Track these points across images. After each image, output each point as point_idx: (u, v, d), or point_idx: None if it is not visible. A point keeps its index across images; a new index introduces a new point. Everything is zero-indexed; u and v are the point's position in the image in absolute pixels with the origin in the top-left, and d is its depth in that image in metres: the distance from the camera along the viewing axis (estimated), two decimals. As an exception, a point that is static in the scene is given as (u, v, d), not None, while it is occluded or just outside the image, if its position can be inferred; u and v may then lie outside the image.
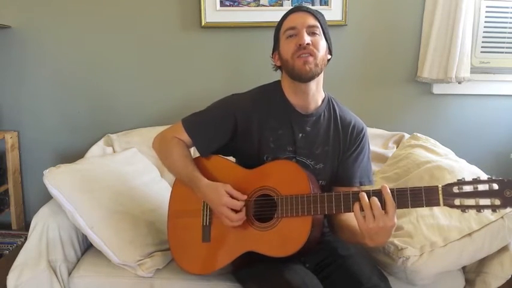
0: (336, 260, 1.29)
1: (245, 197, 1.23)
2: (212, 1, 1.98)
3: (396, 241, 1.36)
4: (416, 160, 1.65)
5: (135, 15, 2.03)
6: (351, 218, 1.21)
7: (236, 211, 1.22)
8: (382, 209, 1.05)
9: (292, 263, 1.22)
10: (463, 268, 1.42)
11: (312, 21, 1.25)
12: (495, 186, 0.97)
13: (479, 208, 0.99)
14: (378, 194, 1.07)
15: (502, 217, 1.30)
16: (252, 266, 1.27)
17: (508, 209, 0.98)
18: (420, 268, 1.30)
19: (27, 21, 2.02)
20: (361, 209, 1.07)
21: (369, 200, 1.06)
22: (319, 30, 1.25)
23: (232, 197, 1.23)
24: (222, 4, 1.99)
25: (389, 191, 1.05)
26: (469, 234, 1.31)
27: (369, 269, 1.25)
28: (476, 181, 1.00)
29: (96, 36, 2.05)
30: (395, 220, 1.05)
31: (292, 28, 1.25)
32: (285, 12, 1.30)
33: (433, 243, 1.31)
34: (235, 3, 2.00)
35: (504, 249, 1.35)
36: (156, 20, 2.03)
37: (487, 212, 0.99)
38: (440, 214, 1.40)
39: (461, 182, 1.01)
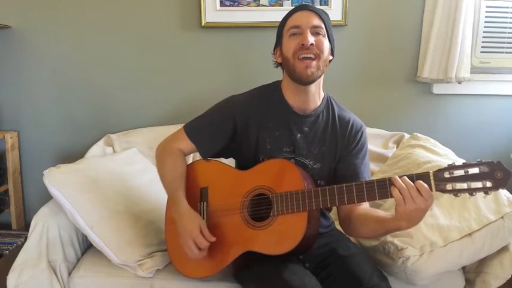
0: (336, 260, 1.29)
1: (213, 239, 1.24)
2: (212, 1, 1.98)
3: (396, 241, 1.36)
4: (416, 160, 1.65)
5: (135, 15, 2.03)
6: (373, 210, 1.22)
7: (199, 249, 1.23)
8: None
9: (292, 264, 1.22)
10: (463, 268, 1.42)
11: (317, 21, 1.24)
12: (485, 169, 0.97)
13: (471, 191, 0.98)
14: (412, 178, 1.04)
15: (502, 217, 1.30)
16: (251, 267, 1.26)
17: (500, 190, 0.97)
18: (420, 268, 1.30)
19: (27, 21, 2.02)
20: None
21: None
22: (323, 31, 1.24)
23: (202, 234, 1.23)
24: (222, 4, 1.99)
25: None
26: (469, 234, 1.31)
27: (369, 269, 1.25)
28: (466, 165, 1.00)
29: (96, 36, 2.04)
30: (432, 198, 1.03)
31: (297, 27, 1.23)
32: (285, 11, 1.30)
33: (433, 243, 1.31)
34: (235, 3, 1.99)
35: (504, 249, 1.35)
36: (156, 20, 2.03)
37: (480, 195, 0.98)
38: (440, 214, 1.39)
39: (452, 167, 1.01)
